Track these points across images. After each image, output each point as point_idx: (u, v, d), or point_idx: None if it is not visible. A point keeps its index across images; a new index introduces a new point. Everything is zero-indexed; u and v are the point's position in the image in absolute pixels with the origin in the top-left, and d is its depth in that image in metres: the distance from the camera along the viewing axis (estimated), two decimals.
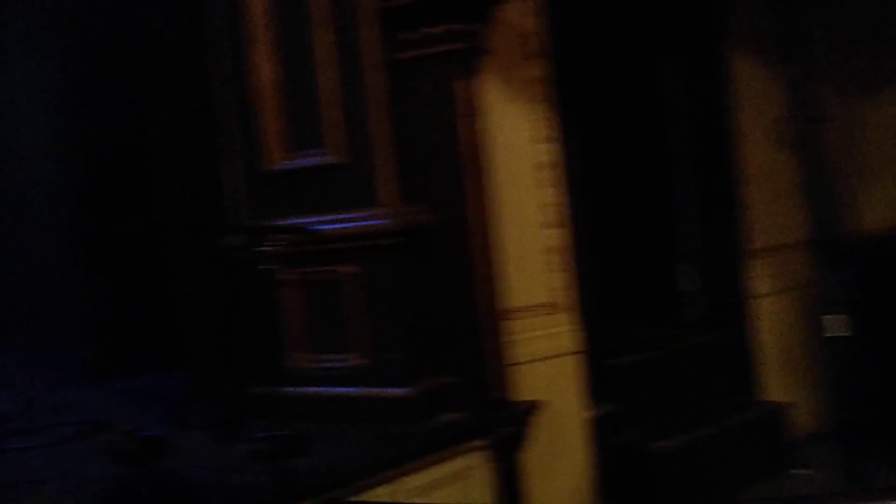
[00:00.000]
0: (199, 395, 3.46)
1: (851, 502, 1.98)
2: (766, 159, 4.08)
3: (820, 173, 2.59)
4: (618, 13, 4.54)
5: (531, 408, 3.26)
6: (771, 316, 4.33)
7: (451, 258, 3.10)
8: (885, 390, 4.16)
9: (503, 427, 3.10)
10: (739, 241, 4.29)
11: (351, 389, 3.10)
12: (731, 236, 4.30)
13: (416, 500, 2.77)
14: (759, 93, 4.10)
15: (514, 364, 3.27)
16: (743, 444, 3.99)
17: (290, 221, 3.11)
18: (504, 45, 3.38)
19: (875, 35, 4.77)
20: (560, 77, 3.59)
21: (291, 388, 3.16)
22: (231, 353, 3.26)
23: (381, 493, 2.68)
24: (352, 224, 3.03)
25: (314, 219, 3.04)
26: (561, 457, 3.54)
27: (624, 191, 4.76)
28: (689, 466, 3.77)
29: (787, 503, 1.97)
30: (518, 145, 3.47)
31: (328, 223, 3.02)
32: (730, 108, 4.24)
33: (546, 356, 3.51)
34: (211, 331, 3.39)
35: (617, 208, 4.74)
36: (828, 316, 2.63)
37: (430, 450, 2.87)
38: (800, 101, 2.43)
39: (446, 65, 3.07)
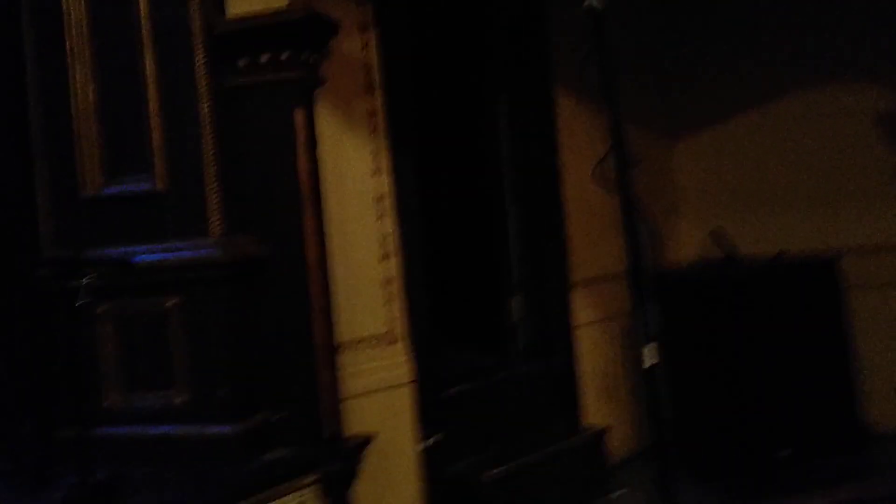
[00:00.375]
0: (2, 440, 3.17)
1: None
2: (587, 197, 4.32)
3: (634, 211, 2.76)
4: (451, 51, 4.68)
5: (363, 441, 3.23)
6: (592, 344, 4.57)
7: (282, 290, 3.02)
8: (688, 415, 4.49)
9: (334, 462, 3.05)
10: (564, 273, 4.50)
11: (173, 428, 2.94)
12: (557, 268, 4.50)
13: None
14: (582, 134, 4.35)
15: (347, 397, 3.24)
16: (567, 468, 4.15)
17: (109, 251, 2.93)
18: (340, 76, 3.39)
19: (681, 86, 5.21)
20: (395, 110, 3.64)
21: (108, 429, 2.95)
22: (37, 393, 3.02)
23: None
24: (176, 255, 2.89)
25: (136, 248, 2.87)
26: (393, 489, 3.54)
27: (458, 223, 4.88)
28: (518, 493, 3.87)
29: None
30: (352, 177, 3.48)
31: (151, 253, 2.88)
32: (555, 147, 4.47)
33: (379, 388, 3.51)
34: (14, 370, 3.12)
35: (451, 240, 4.84)
36: (648, 346, 2.79)
37: (257, 489, 2.76)
38: (615, 144, 2.59)
39: (281, 94, 3.02)
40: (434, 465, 3.72)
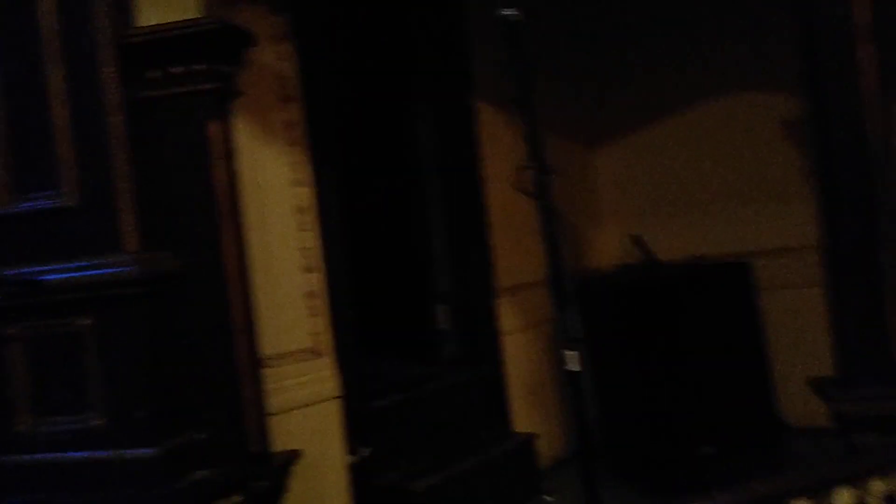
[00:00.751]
0: None
1: None
2: (510, 205, 4.36)
3: (552, 217, 2.80)
4: (371, 61, 4.67)
5: (290, 458, 3.18)
6: (518, 351, 4.61)
7: (202, 306, 2.96)
8: (613, 417, 4.57)
9: (260, 480, 3.00)
10: (489, 281, 4.53)
11: (90, 453, 2.83)
12: (482, 276, 4.53)
13: None
14: (503, 143, 4.39)
15: (273, 413, 3.19)
16: (498, 475, 4.17)
17: (17, 270, 2.82)
18: (257, 87, 3.36)
19: (599, 94, 5.33)
20: (315, 121, 3.62)
21: (21, 456, 2.85)
22: None
23: None
24: (88, 273, 2.79)
25: (44, 267, 2.78)
26: None
27: (382, 233, 4.86)
28: (450, 502, 3.87)
29: None
30: (273, 189, 3.44)
31: (60, 272, 2.78)
32: (478, 156, 4.50)
33: (305, 403, 3.47)
34: None
35: (375, 251, 4.83)
36: (570, 351, 2.83)
37: None
38: (533, 152, 2.63)
39: (196, 106, 2.97)
40: (364, 478, 3.69)
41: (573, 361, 2.72)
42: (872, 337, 2.81)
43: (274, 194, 3.43)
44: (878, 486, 2.29)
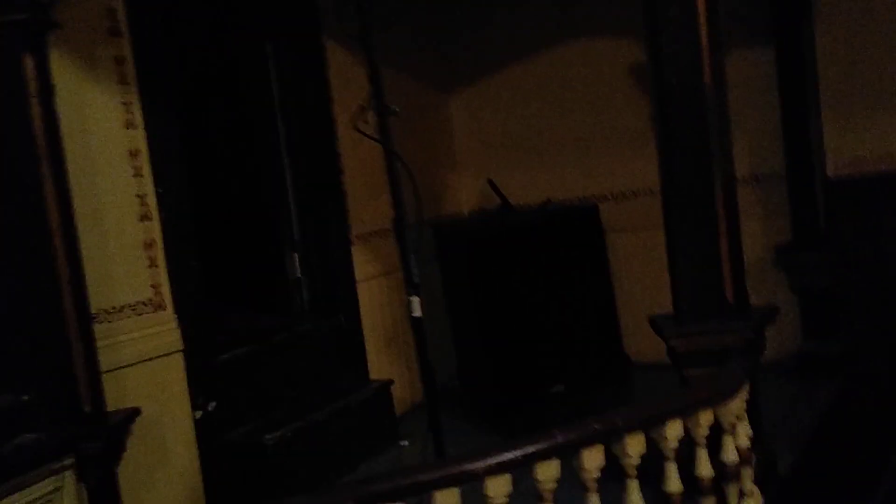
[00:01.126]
0: None
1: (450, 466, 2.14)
2: (361, 149, 4.25)
3: (395, 161, 2.75)
4: None
5: (128, 415, 3.02)
6: (373, 299, 4.57)
7: (22, 258, 2.73)
8: (470, 361, 4.64)
9: (93, 441, 2.83)
10: (344, 228, 4.45)
11: None
12: (336, 223, 4.43)
13: None
14: (354, 85, 4.25)
15: (110, 369, 3.02)
16: (354, 423, 4.15)
17: None
18: (79, 20, 3.08)
19: (454, 39, 5.27)
20: (146, 57, 3.36)
21: None
22: None
23: None
24: None
25: None
26: (166, 461, 3.37)
27: (229, 180, 4.65)
28: (305, 451, 3.82)
29: (383, 478, 2.05)
30: (101, 131, 3.19)
31: None
32: (328, 98, 4.36)
33: (145, 358, 3.31)
34: None
35: (222, 198, 4.62)
36: (414, 297, 2.82)
37: (4, 477, 2.51)
38: (375, 92, 2.55)
39: (7, 37, 2.69)
40: (211, 433, 3.58)
41: (416, 307, 2.71)
42: (704, 277, 2.94)
43: (103, 136, 3.18)
44: (705, 417, 2.41)
